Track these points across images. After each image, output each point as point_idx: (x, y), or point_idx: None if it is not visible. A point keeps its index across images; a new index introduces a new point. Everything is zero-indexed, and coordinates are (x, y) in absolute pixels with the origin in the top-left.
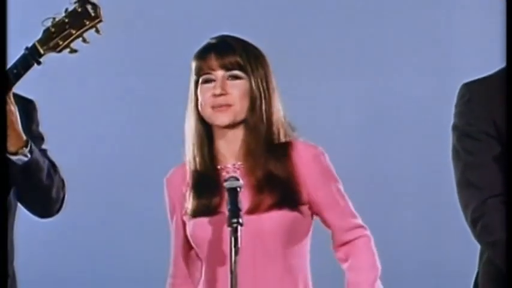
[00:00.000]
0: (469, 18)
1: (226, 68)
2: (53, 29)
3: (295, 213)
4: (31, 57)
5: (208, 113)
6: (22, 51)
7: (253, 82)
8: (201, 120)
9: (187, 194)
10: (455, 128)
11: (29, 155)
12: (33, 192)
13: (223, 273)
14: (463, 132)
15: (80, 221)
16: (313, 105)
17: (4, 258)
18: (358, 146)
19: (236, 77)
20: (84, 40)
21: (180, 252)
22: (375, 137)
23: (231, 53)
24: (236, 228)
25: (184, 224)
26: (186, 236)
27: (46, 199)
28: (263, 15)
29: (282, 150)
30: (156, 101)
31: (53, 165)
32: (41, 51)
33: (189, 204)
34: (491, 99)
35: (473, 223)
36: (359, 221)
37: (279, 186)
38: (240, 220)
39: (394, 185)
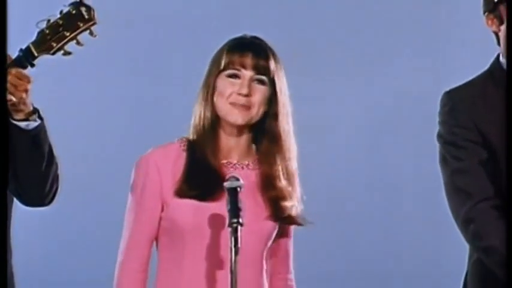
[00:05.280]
0: (470, 18)
1: (258, 70)
2: (47, 31)
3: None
4: (25, 59)
5: (224, 108)
6: (16, 53)
7: (277, 92)
8: (213, 110)
9: (182, 176)
10: (440, 136)
11: (38, 120)
12: (36, 167)
13: (219, 271)
14: (448, 141)
15: (78, 220)
16: (314, 105)
17: (4, 258)
18: (360, 144)
19: (262, 82)
20: (78, 42)
21: (150, 234)
22: (377, 136)
23: (265, 57)
24: (236, 228)
25: (162, 207)
26: (158, 221)
27: (44, 181)
28: (263, 16)
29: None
30: (153, 101)
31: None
32: (35, 53)
33: (181, 185)
34: (472, 105)
35: (465, 228)
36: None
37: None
38: (240, 220)
39: (393, 184)
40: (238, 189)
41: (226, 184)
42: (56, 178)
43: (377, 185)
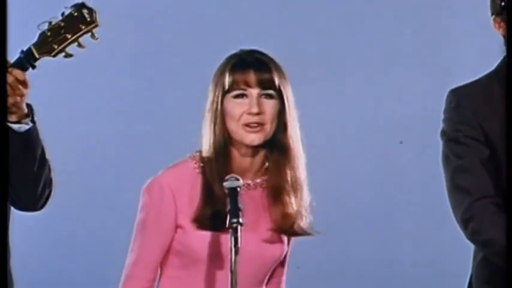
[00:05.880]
0: (472, 19)
1: (263, 86)
2: (48, 33)
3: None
4: (26, 61)
5: (239, 132)
6: (17, 55)
7: (285, 102)
8: (225, 134)
9: (200, 205)
10: (443, 133)
11: (30, 124)
12: (28, 170)
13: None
14: (451, 138)
15: (76, 222)
16: (316, 108)
17: (4, 258)
18: (363, 148)
19: (270, 96)
20: (79, 45)
21: (159, 257)
22: (381, 140)
23: (268, 71)
24: (236, 228)
25: (175, 230)
26: (170, 243)
27: (36, 184)
28: (263, 18)
29: None
30: (154, 104)
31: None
32: (36, 55)
33: (200, 215)
34: (477, 104)
35: (464, 225)
36: None
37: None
38: (240, 220)
39: (398, 187)
40: (238, 189)
41: (226, 184)
42: (48, 182)
43: (381, 188)
